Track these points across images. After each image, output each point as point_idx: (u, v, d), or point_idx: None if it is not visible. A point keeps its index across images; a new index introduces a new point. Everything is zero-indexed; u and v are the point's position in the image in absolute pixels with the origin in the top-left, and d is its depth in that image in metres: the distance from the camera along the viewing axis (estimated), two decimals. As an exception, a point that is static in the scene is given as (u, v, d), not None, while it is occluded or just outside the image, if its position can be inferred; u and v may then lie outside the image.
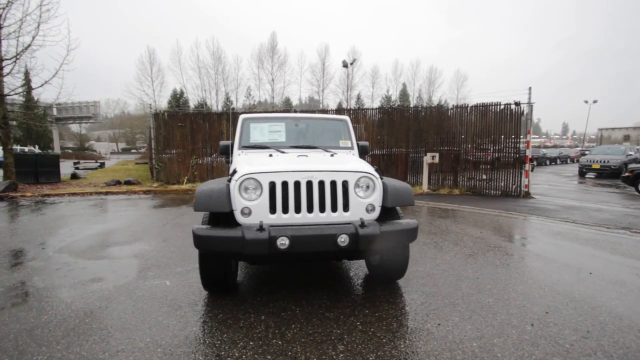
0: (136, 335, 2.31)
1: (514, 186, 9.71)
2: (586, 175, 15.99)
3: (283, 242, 2.42)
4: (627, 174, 10.70)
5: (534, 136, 10.14)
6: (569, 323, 2.48)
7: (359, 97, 43.34)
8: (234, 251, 2.47)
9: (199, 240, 2.51)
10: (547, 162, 26.72)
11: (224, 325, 2.47)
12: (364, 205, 2.76)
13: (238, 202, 2.62)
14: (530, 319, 2.55)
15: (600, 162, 15.34)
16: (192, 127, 11.62)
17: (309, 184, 2.70)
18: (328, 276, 3.48)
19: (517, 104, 9.66)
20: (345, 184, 2.75)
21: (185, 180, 11.47)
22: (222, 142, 4.02)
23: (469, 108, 10.49)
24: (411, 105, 27.47)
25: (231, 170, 3.73)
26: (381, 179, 2.85)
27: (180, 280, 3.32)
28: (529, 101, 9.66)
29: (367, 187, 2.81)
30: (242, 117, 4.12)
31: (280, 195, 2.66)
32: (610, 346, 2.17)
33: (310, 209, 2.69)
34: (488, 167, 10.36)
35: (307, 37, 72.28)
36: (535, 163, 18.26)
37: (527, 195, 9.50)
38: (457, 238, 4.94)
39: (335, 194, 2.72)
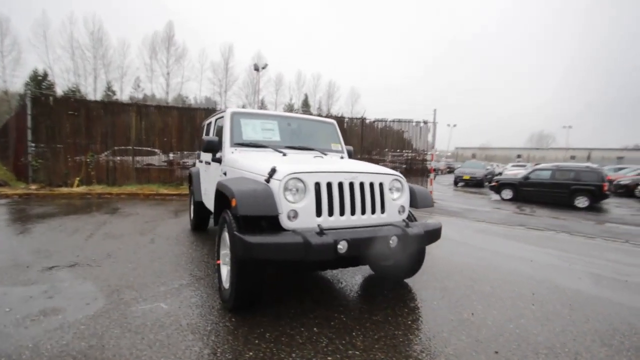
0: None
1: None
2: (458, 184, 19.58)
3: (342, 246, 2.30)
4: (493, 183, 13.56)
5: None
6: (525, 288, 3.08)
7: (262, 103, 43.03)
8: (295, 259, 2.21)
9: (253, 249, 2.15)
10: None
11: (286, 345, 2.17)
12: (396, 207, 2.85)
13: (284, 205, 2.37)
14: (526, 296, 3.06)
15: (470, 174, 19.05)
16: (88, 117, 9.58)
17: (351, 185, 2.63)
18: (331, 283, 3.40)
19: (425, 122, 11.29)
20: (381, 186, 2.78)
21: (77, 181, 9.34)
22: (207, 137, 3.53)
23: (387, 122, 11.71)
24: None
25: (224, 170, 3.31)
26: None
27: (176, 301, 2.74)
28: (433, 120, 11.38)
29: (398, 189, 2.91)
30: (230, 111, 3.70)
31: (326, 196, 2.52)
32: (531, 289, 2.80)
33: (353, 211, 2.62)
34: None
35: (209, 35, 67.78)
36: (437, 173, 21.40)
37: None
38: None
39: (374, 195, 2.73)
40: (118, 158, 10.00)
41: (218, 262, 2.89)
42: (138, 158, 10.16)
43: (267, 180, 2.47)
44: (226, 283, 2.68)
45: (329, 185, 2.55)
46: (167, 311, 2.56)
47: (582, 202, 11.14)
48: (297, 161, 2.90)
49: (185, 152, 10.62)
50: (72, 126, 9.41)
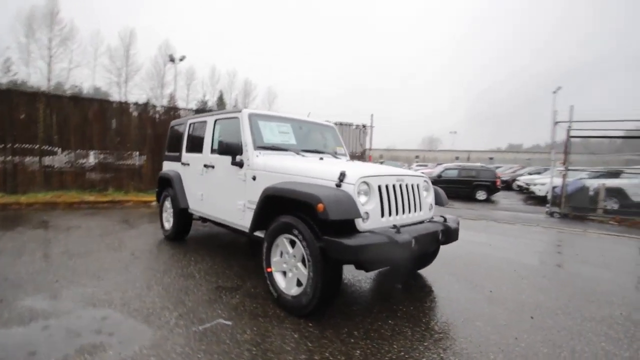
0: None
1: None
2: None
3: (413, 243, 2.54)
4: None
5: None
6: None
7: (172, 97, 39.37)
8: (385, 258, 2.36)
9: (352, 251, 2.21)
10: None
11: (380, 339, 2.28)
12: (428, 205, 3.21)
13: (360, 207, 2.48)
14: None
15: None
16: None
17: (400, 187, 2.89)
18: (349, 281, 3.59)
19: (364, 126, 12.17)
20: (418, 187, 3.11)
21: (-41, 190, 7.29)
22: (227, 140, 3.33)
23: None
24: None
25: (252, 174, 3.20)
26: None
27: (233, 315, 2.56)
28: (371, 124, 12.35)
29: (427, 189, 3.28)
30: (247, 112, 3.55)
31: (386, 198, 2.72)
32: (509, 267, 3.64)
33: (405, 210, 2.88)
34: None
35: (106, 17, 57.57)
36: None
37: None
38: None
39: (414, 195, 3.04)
40: (17, 158, 8.13)
41: (269, 269, 2.80)
42: (48, 158, 8.43)
43: (338, 185, 2.53)
44: (289, 289, 2.64)
45: (387, 187, 2.75)
46: (233, 326, 2.40)
47: (481, 195, 13.57)
48: (345, 165, 3.00)
49: (112, 152, 9.23)
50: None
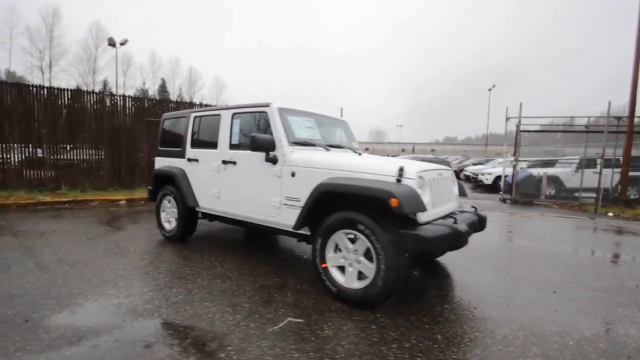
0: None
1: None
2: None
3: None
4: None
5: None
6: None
7: (105, 84, 35.62)
8: (450, 246, 2.53)
9: (428, 242, 2.35)
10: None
11: (449, 322, 2.44)
12: (455, 196, 3.46)
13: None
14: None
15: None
16: None
17: (439, 180, 3.08)
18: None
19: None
20: (450, 179, 3.33)
21: None
22: (262, 136, 3.22)
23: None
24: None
25: (290, 170, 3.15)
26: None
27: (297, 311, 2.54)
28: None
29: (453, 181, 3.52)
30: (276, 106, 3.45)
31: (435, 191, 2.89)
32: (504, 251, 4.18)
33: (443, 202, 3.08)
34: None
35: None
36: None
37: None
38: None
39: (447, 187, 3.26)
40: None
41: (324, 265, 2.81)
42: (-15, 155, 7.22)
43: (399, 180, 2.62)
44: (350, 283, 2.69)
45: (433, 180, 2.92)
46: (305, 323, 2.39)
47: (438, 184, 14.65)
48: (394, 160, 3.10)
49: (64, 146, 8.18)
50: None
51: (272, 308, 2.61)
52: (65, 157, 8.22)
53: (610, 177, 9.73)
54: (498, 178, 13.22)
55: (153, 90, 40.18)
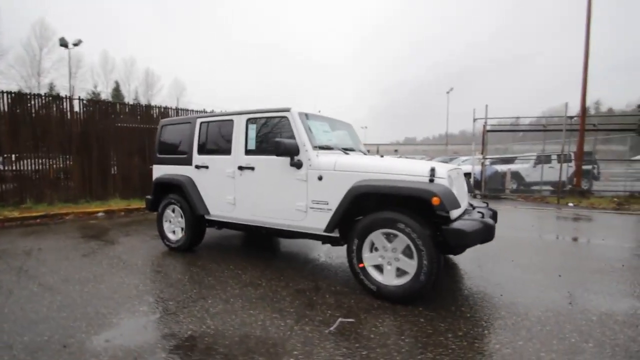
0: None
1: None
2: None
3: (488, 226, 2.96)
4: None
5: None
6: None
7: (52, 87, 32.74)
8: (484, 239, 2.71)
9: (468, 237, 2.54)
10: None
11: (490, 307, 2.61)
12: (466, 193, 3.71)
13: (454, 199, 2.79)
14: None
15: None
16: None
17: (458, 178, 3.29)
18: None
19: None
20: (462, 177, 3.57)
21: None
22: (288, 140, 3.24)
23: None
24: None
25: (317, 174, 3.22)
26: None
27: (345, 311, 2.59)
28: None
29: (464, 179, 3.77)
30: (297, 111, 3.49)
31: (457, 188, 3.09)
32: (504, 242, 4.59)
33: (462, 198, 3.29)
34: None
35: None
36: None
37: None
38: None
39: (463, 184, 3.49)
40: None
41: (361, 265, 2.89)
42: None
43: (431, 180, 2.77)
44: (389, 280, 2.78)
45: (455, 179, 3.12)
46: (357, 323, 2.45)
47: (410, 183, 15.30)
48: (419, 162, 3.25)
49: (27, 156, 7.47)
50: None
51: (317, 310, 2.64)
52: (28, 169, 7.51)
53: (565, 171, 10.80)
54: (466, 175, 14.13)
55: (106, 94, 37.57)
